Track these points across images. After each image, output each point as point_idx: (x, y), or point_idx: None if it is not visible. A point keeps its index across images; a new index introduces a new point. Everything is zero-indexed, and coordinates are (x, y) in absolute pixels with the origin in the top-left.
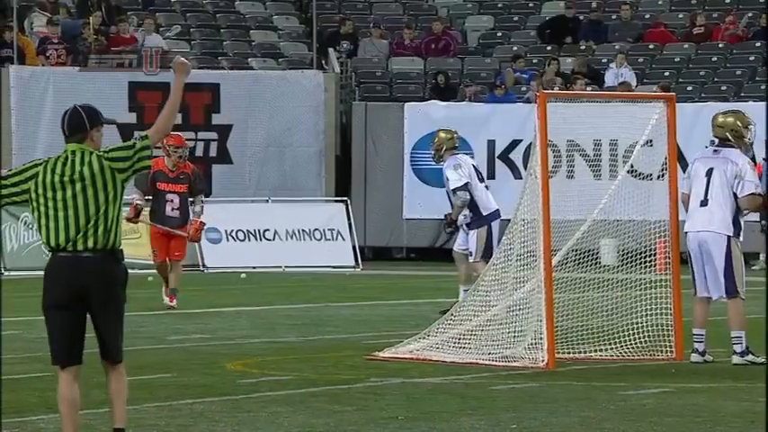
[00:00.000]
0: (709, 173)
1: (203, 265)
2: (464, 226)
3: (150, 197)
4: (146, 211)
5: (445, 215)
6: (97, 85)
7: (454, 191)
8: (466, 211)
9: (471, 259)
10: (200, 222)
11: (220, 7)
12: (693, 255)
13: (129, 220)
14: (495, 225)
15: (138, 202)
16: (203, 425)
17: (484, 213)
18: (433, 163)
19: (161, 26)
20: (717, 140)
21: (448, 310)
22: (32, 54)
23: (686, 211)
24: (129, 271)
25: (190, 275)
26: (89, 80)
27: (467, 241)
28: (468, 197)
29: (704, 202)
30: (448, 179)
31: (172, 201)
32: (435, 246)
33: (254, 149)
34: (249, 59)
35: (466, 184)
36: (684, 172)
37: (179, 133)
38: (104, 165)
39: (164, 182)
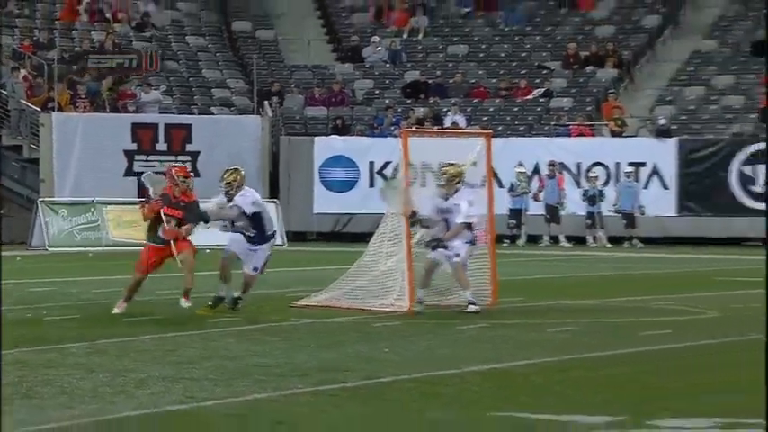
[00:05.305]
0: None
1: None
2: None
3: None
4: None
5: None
6: (109, 125)
7: (236, 206)
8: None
9: (250, 271)
10: (184, 229)
11: (192, 73)
12: None
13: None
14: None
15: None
16: (182, 350)
17: (269, 232)
18: (334, 174)
19: (152, 85)
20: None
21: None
22: (67, 105)
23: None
24: (126, 249)
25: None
26: (104, 122)
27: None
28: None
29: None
30: (238, 202)
31: (169, 222)
32: (336, 230)
33: (215, 167)
34: (211, 108)
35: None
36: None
37: (186, 165)
38: None
39: (166, 205)
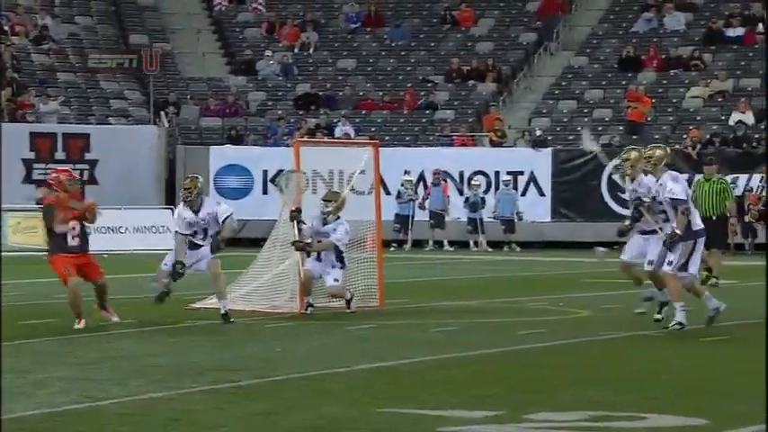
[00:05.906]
0: None
1: None
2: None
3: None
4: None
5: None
6: (8, 135)
7: (230, 216)
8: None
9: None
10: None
11: (90, 84)
12: None
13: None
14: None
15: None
16: (80, 351)
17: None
18: (229, 182)
19: (50, 96)
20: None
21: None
22: None
23: None
24: (24, 254)
25: None
26: (3, 131)
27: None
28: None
29: None
30: (218, 212)
31: (73, 228)
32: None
33: (113, 176)
34: (109, 118)
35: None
36: (388, 193)
37: (67, 167)
38: None
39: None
